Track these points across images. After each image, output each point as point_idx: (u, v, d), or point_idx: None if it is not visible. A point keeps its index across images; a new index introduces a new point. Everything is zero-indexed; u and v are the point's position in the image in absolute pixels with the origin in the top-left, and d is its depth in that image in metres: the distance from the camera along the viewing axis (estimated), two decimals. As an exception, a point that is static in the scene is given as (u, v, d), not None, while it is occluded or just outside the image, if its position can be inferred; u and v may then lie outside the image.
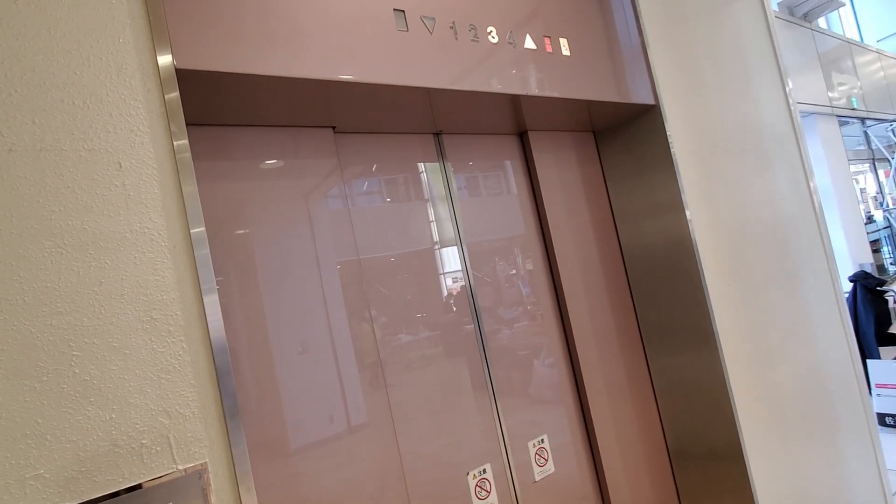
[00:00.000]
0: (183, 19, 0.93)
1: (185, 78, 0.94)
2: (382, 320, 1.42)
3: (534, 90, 1.43)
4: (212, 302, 0.85)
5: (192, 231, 0.87)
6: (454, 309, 1.58)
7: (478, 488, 1.47)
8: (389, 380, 1.39)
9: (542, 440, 1.64)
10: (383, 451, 1.30)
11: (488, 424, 1.55)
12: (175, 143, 0.88)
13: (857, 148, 6.83)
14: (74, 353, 0.76)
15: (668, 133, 1.76)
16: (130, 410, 0.79)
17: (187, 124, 1.13)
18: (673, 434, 1.92)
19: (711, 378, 1.78)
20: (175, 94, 0.89)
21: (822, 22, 6.39)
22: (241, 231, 1.20)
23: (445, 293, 1.58)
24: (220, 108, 1.12)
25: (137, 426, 0.79)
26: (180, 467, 0.81)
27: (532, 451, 1.61)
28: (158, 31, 0.89)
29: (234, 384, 0.85)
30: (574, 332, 1.76)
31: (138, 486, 0.78)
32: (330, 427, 1.24)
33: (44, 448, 0.73)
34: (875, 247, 6.21)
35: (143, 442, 0.80)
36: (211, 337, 0.84)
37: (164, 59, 0.89)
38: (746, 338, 1.89)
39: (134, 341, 0.81)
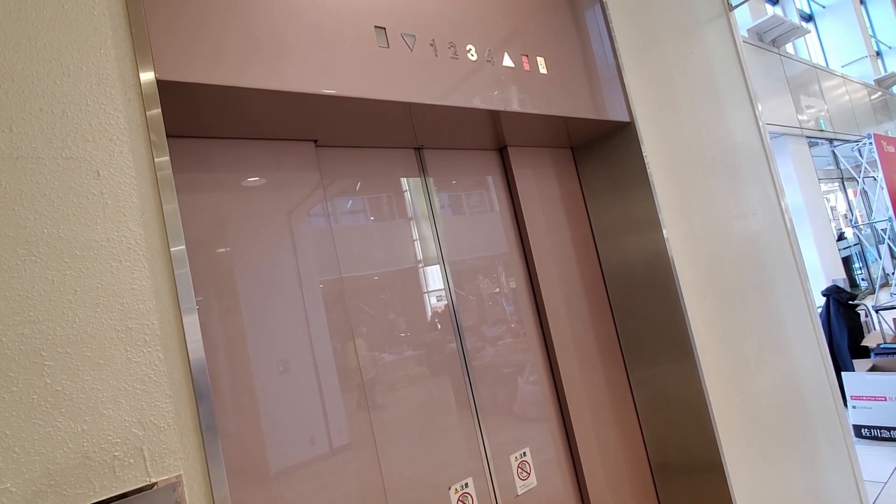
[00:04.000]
0: (166, 32, 0.94)
1: (167, 89, 0.95)
2: (364, 339, 1.41)
3: (512, 106, 1.47)
4: (191, 322, 0.84)
5: (172, 249, 0.86)
6: (437, 327, 1.58)
7: (460, 503, 1.46)
8: (371, 399, 1.38)
9: (525, 454, 1.64)
10: (365, 470, 1.29)
11: (471, 440, 1.54)
12: (156, 158, 0.88)
13: (827, 168, 7.08)
14: (46, 362, 0.75)
15: (643, 149, 1.81)
16: (103, 422, 0.78)
17: (169, 136, 1.13)
18: (654, 447, 1.93)
19: (690, 390, 1.80)
20: (156, 104, 0.90)
21: (789, 48, 6.67)
22: (221, 244, 1.19)
23: (428, 312, 1.58)
24: (202, 121, 1.13)
25: (110, 438, 0.78)
26: (154, 480, 0.79)
27: (514, 465, 1.60)
28: (140, 43, 0.90)
29: (212, 398, 0.84)
30: (556, 347, 1.77)
31: (110, 500, 0.76)
32: (311, 448, 1.22)
33: (11, 461, 0.71)
34: (847, 263, 6.40)
35: (116, 454, 0.78)
36: (190, 357, 0.83)
37: (146, 71, 0.90)
38: (723, 350, 1.93)
39: (108, 351, 0.79)
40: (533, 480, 1.63)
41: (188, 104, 1.04)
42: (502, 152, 1.84)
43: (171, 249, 0.86)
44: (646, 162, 1.82)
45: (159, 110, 0.90)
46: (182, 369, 0.84)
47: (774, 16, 5.71)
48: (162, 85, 0.92)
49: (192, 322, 0.85)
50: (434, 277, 1.61)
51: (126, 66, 0.89)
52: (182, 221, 1.06)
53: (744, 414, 1.92)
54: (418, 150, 1.65)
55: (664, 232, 1.80)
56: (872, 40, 8.97)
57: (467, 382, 1.58)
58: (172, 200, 0.87)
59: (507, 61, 1.50)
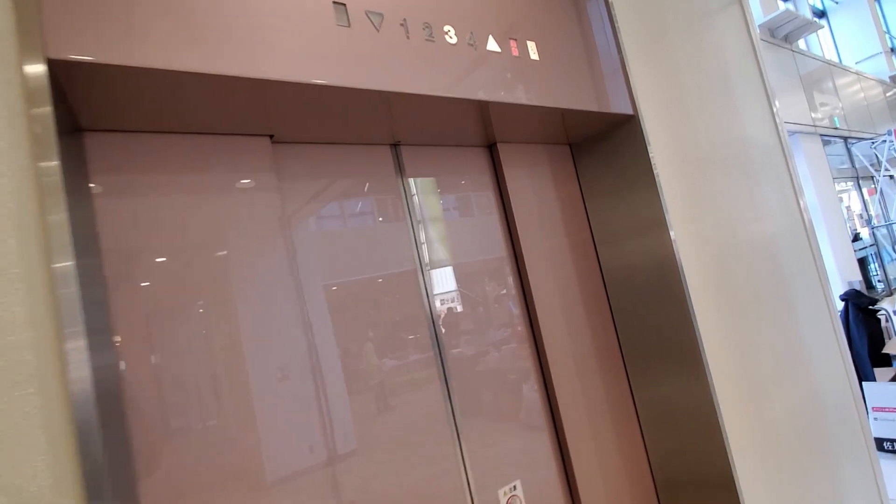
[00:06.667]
0: (65, 2, 0.78)
1: (69, 71, 0.79)
2: (327, 357, 1.24)
3: (498, 96, 1.30)
4: (75, 349, 0.67)
5: (54, 266, 0.69)
6: (415, 341, 1.41)
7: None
8: (337, 429, 1.21)
9: (515, 487, 1.46)
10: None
11: (453, 471, 1.37)
12: (40, 156, 0.71)
13: (841, 167, 6.84)
14: None
15: (648, 145, 1.64)
16: (-46, 488, 0.61)
17: (84, 130, 0.97)
18: (661, 468, 1.75)
19: (700, 406, 1.63)
20: (44, 91, 0.73)
21: (801, 44, 6.44)
22: (151, 258, 1.03)
23: (406, 324, 1.41)
24: (125, 111, 0.96)
25: (-37, 509, 0.61)
26: (21, 561, 0.63)
27: (503, 501, 1.43)
28: (25, 10, 0.74)
29: (101, 450, 0.67)
30: (550, 361, 1.60)
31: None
32: (261, 487, 1.06)
33: None
34: (862, 264, 6.17)
35: (-28, 529, 0.62)
36: (71, 391, 0.67)
37: (32, 47, 0.73)
38: (737, 362, 1.75)
39: (-35, 396, 0.63)
40: (525, 516, 1.46)
41: (103, 90, 0.87)
42: (491, 149, 1.67)
43: (54, 266, 0.68)
44: (651, 159, 1.64)
45: (49, 97, 0.73)
46: (66, 416, 0.67)
47: (787, 11, 5.51)
48: (56, 64, 0.76)
49: (76, 349, 0.67)
50: (410, 286, 1.44)
51: (6, 40, 0.73)
52: (101, 231, 0.90)
53: (759, 430, 1.74)
54: (395, 146, 1.48)
55: (671, 234, 1.62)
56: (887, 36, 8.70)
57: (448, 404, 1.40)
58: (60, 211, 0.70)
59: (493, 45, 1.32)
